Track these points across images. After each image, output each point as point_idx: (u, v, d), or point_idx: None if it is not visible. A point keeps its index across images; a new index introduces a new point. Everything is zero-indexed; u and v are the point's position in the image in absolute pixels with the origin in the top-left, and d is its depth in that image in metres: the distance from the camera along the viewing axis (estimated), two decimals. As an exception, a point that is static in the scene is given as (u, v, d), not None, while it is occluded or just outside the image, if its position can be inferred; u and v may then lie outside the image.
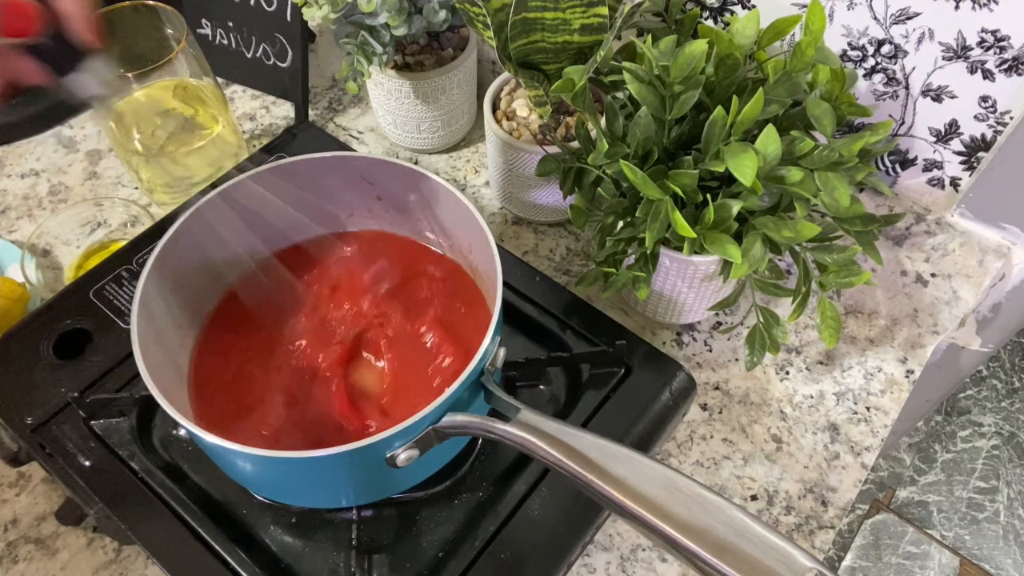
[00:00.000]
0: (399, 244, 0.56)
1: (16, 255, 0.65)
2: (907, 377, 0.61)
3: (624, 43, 0.59)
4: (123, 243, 0.61)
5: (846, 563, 1.39)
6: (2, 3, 0.34)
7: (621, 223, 0.55)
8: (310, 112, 0.78)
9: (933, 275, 0.61)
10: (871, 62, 0.55)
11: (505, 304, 0.55)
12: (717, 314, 0.64)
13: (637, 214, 0.49)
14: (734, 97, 0.48)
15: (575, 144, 0.57)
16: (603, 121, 0.54)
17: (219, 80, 0.70)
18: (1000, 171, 0.55)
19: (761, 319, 0.54)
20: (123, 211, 0.66)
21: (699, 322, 0.64)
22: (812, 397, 0.60)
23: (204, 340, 0.52)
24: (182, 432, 0.52)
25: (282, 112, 0.78)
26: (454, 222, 0.52)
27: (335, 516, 0.49)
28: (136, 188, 0.73)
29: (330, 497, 0.47)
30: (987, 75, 0.51)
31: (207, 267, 0.51)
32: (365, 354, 0.51)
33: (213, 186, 0.49)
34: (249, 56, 0.75)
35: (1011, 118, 0.52)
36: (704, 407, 0.59)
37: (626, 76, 0.49)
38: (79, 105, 0.41)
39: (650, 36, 0.51)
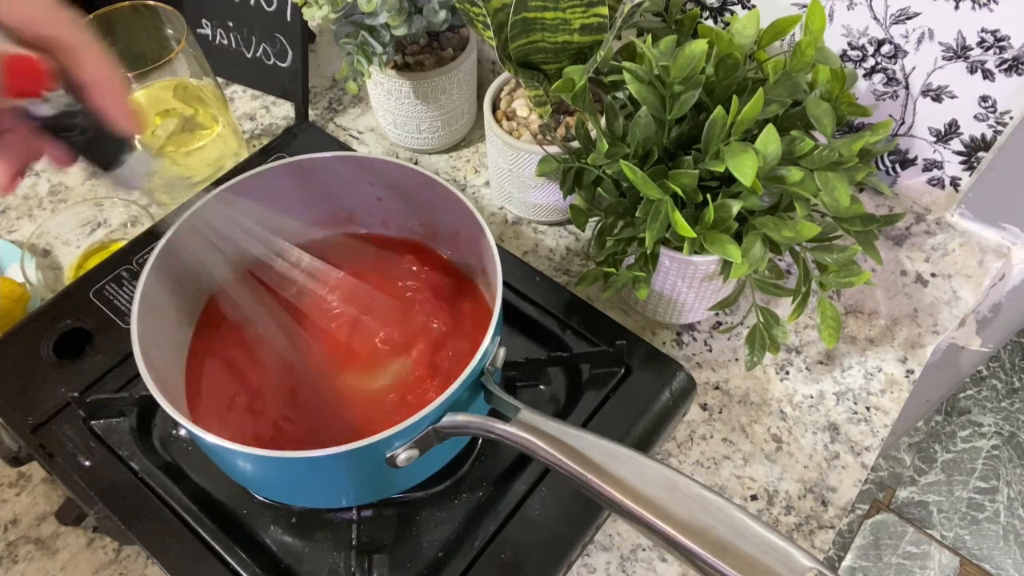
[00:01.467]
0: (399, 244, 0.56)
1: (16, 255, 0.65)
2: (907, 377, 0.61)
3: (624, 43, 0.59)
4: (123, 243, 0.61)
5: (846, 563, 1.39)
6: (5, 59, 0.31)
7: (621, 223, 0.55)
8: (310, 112, 0.78)
9: (933, 275, 0.61)
10: (871, 62, 0.55)
11: (505, 304, 0.55)
12: (717, 314, 0.64)
13: (637, 214, 0.49)
14: (734, 97, 0.48)
15: (575, 144, 0.57)
16: (603, 121, 0.54)
17: (219, 80, 0.70)
18: (1000, 171, 0.55)
19: (761, 319, 0.54)
20: (123, 211, 0.66)
21: (699, 322, 0.64)
22: (812, 397, 0.60)
23: (204, 339, 0.51)
24: (182, 432, 0.52)
25: (282, 112, 0.78)
26: (454, 222, 0.52)
27: (335, 516, 0.49)
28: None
29: (330, 497, 0.47)
30: (987, 75, 0.51)
31: (207, 267, 0.51)
32: (365, 354, 0.51)
33: (213, 186, 0.49)
34: (249, 56, 0.75)
35: (1011, 118, 0.52)
36: (704, 407, 0.59)
37: (626, 76, 0.49)
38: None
39: (650, 36, 0.51)
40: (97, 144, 0.35)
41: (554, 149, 0.59)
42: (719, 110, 0.47)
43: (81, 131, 0.34)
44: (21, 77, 0.32)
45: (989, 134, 0.54)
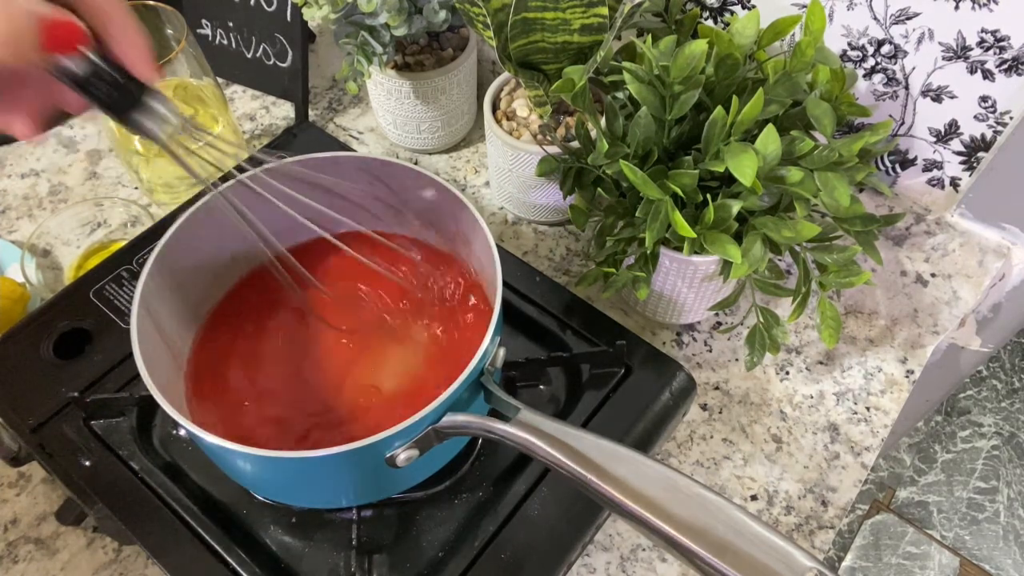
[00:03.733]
0: (399, 243, 0.56)
1: (16, 255, 0.65)
2: (907, 377, 0.61)
3: (624, 43, 0.59)
4: (123, 243, 0.61)
5: (846, 563, 1.39)
6: (48, 22, 0.33)
7: (621, 223, 0.55)
8: (310, 112, 0.78)
9: (933, 275, 0.61)
10: (871, 62, 0.55)
11: (505, 304, 0.55)
12: (717, 314, 0.64)
13: (637, 214, 0.49)
14: (734, 97, 0.48)
15: (575, 144, 0.57)
16: (603, 121, 0.54)
17: (219, 80, 0.70)
18: (1000, 171, 0.55)
19: (761, 319, 0.54)
20: (123, 211, 0.66)
21: (699, 322, 0.64)
22: (812, 397, 0.60)
23: (204, 340, 0.51)
24: (182, 432, 0.52)
25: (282, 112, 0.78)
26: (454, 222, 0.52)
27: (335, 516, 0.49)
28: (136, 188, 0.73)
29: (330, 497, 0.47)
30: (987, 75, 0.51)
31: (207, 267, 0.51)
32: (364, 354, 0.51)
33: (213, 186, 0.49)
34: (249, 56, 0.75)
35: (1011, 118, 0.52)
36: (704, 407, 0.59)
37: (626, 76, 0.49)
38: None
39: (650, 36, 0.51)
40: (118, 93, 0.36)
41: (554, 149, 0.59)
42: (719, 110, 0.47)
43: (105, 84, 0.36)
44: (59, 39, 0.33)
45: (989, 134, 0.54)
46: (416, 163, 0.74)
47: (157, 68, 0.38)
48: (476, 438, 0.51)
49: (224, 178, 0.48)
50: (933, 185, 0.59)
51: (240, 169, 0.49)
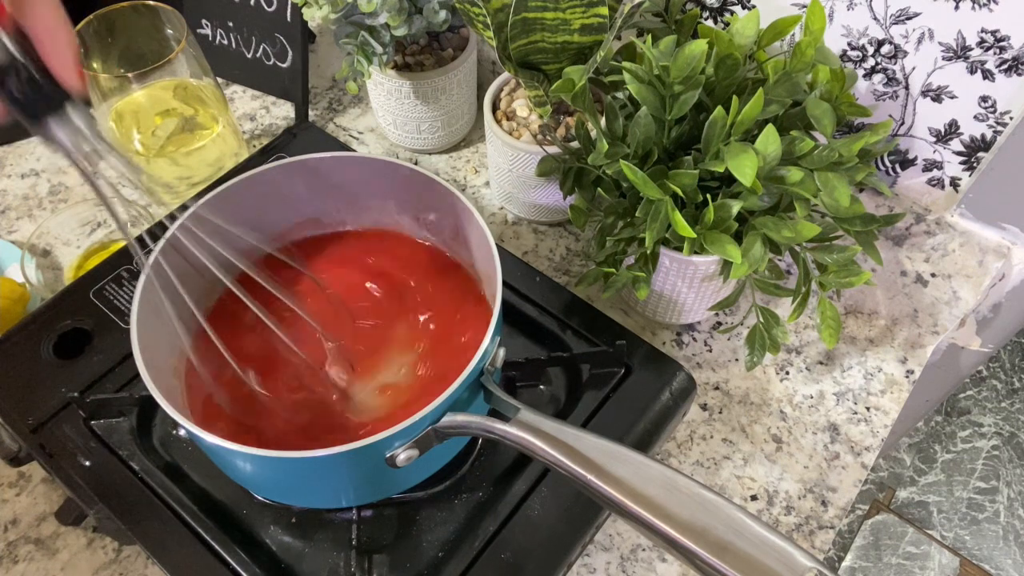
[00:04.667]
0: (399, 244, 0.56)
1: (16, 255, 0.65)
2: (907, 377, 0.61)
3: (624, 43, 0.59)
4: (123, 243, 0.61)
5: (846, 563, 1.39)
6: None
7: (621, 223, 0.55)
8: (310, 112, 0.78)
9: (933, 275, 0.61)
10: (871, 62, 0.55)
11: (505, 304, 0.55)
12: (717, 314, 0.64)
13: (637, 214, 0.49)
14: (734, 97, 0.48)
15: (575, 144, 0.57)
16: (603, 121, 0.54)
17: (219, 80, 0.70)
18: (1000, 171, 0.55)
19: (761, 319, 0.54)
20: (123, 212, 0.66)
21: (699, 322, 0.64)
22: (812, 397, 0.60)
23: (204, 340, 0.51)
24: (182, 432, 0.52)
25: (282, 112, 0.78)
26: (454, 222, 0.52)
27: (335, 516, 0.49)
28: (136, 188, 0.73)
29: (330, 497, 0.47)
30: (987, 75, 0.51)
31: (207, 267, 0.51)
32: (364, 354, 0.51)
33: (213, 186, 0.49)
34: (249, 56, 0.75)
35: (1011, 118, 0.52)
36: (704, 407, 0.59)
37: (626, 76, 0.49)
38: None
39: (650, 36, 0.51)
40: (33, 93, 0.34)
41: (554, 149, 0.59)
42: (719, 110, 0.47)
43: (20, 81, 0.33)
44: None
45: (989, 134, 0.54)
46: (416, 163, 0.74)
47: (80, 72, 0.34)
48: (476, 438, 0.51)
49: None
50: (933, 185, 0.59)
51: (234, 172, 0.48)
